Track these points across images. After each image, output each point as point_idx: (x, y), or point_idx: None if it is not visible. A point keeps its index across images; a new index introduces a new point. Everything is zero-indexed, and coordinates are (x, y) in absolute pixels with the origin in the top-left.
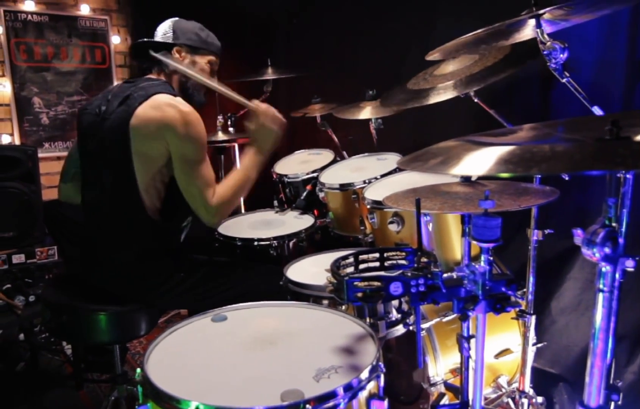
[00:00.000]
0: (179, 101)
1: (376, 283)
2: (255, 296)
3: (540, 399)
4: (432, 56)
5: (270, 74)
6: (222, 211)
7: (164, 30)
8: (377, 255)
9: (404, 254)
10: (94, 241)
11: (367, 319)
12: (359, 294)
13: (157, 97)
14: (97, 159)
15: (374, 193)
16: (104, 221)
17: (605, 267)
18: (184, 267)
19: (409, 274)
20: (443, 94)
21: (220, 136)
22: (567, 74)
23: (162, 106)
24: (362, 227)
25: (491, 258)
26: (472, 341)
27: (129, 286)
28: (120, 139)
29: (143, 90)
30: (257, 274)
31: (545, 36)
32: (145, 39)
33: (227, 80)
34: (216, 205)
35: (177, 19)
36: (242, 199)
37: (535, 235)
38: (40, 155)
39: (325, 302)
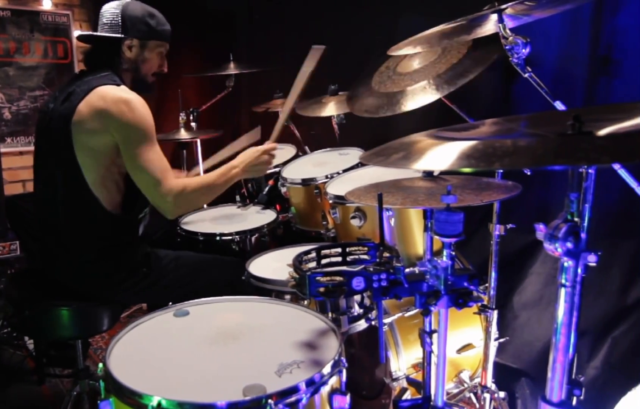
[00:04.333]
0: (121, 89)
1: (338, 278)
2: (218, 288)
3: (502, 394)
4: (394, 51)
5: (232, 69)
6: (181, 203)
7: (111, 17)
8: (339, 250)
9: (366, 249)
10: (50, 239)
11: (329, 314)
12: (321, 289)
13: (98, 89)
14: (48, 158)
15: (336, 188)
16: (59, 221)
17: (568, 262)
18: (146, 262)
19: (371, 269)
20: (414, 101)
21: (183, 133)
22: (529, 69)
23: (103, 96)
24: (324, 223)
25: (453, 253)
26: (435, 336)
27: (90, 282)
28: (64, 137)
29: (86, 85)
30: (220, 267)
31: (508, 31)
32: (92, 33)
33: (190, 75)
34: (174, 193)
35: (125, 2)
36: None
37: (497, 230)
38: (2, 150)
39: (288, 297)
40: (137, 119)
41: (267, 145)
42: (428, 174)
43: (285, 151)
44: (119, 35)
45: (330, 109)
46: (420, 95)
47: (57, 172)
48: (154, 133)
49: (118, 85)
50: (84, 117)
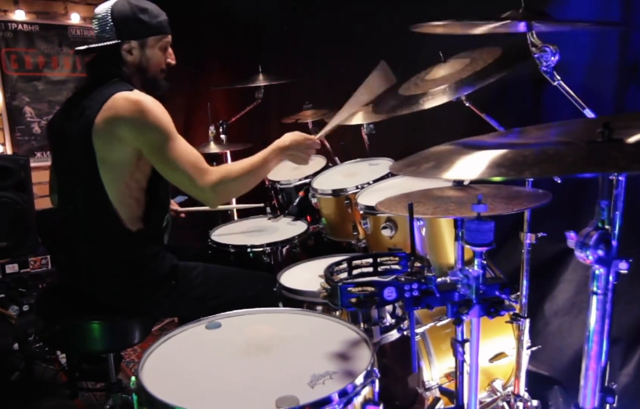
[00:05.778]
0: (133, 93)
1: (370, 288)
2: (248, 302)
3: (535, 402)
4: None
5: (261, 81)
6: (222, 192)
7: (103, 22)
8: (370, 260)
9: (397, 259)
10: (76, 254)
11: (361, 325)
12: (353, 300)
13: (112, 98)
14: (68, 176)
15: (366, 198)
16: (82, 237)
17: (599, 270)
18: (173, 274)
19: (403, 279)
20: (434, 100)
21: (213, 146)
22: (559, 77)
23: (116, 105)
24: (355, 233)
25: (484, 262)
26: (467, 345)
27: (118, 296)
28: (86, 154)
29: (99, 96)
30: (250, 279)
31: (537, 39)
32: (89, 46)
33: (218, 87)
34: (211, 185)
35: (112, 2)
36: (234, 207)
37: (528, 238)
38: (32, 164)
39: (319, 308)
40: (152, 120)
41: (313, 137)
42: (458, 184)
43: (315, 162)
44: (115, 42)
45: (359, 118)
46: (439, 96)
47: (78, 189)
48: (173, 129)
49: (130, 90)
50: (102, 129)
